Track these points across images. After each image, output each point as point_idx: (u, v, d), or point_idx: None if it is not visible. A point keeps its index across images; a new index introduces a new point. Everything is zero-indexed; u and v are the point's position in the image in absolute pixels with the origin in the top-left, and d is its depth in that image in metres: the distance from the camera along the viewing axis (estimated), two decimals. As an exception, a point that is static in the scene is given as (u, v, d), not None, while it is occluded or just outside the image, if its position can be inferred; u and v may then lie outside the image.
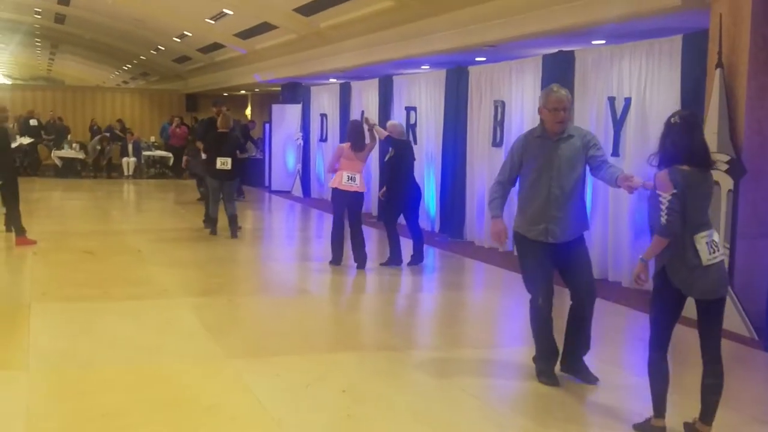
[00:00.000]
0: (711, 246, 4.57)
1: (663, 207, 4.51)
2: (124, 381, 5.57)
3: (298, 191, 19.82)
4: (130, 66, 33.60)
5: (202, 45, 22.81)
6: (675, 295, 4.62)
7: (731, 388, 6.02)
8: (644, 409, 5.41)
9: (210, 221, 12.59)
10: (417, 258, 10.35)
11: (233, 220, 12.35)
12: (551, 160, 5.60)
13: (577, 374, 5.78)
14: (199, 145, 13.26)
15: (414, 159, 10.42)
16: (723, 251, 4.74)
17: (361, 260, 10.02)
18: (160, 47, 25.78)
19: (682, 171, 4.54)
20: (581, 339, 5.79)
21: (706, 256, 4.53)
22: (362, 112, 16.46)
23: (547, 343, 5.76)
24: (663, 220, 4.52)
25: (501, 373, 6.04)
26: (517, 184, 5.86)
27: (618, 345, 7.22)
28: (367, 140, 9.99)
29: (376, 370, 5.99)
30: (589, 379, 5.72)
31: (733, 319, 7.29)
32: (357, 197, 10.01)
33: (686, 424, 4.80)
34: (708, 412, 4.66)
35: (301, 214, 17.25)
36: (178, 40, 23.02)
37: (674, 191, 4.48)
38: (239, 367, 5.89)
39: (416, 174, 14.01)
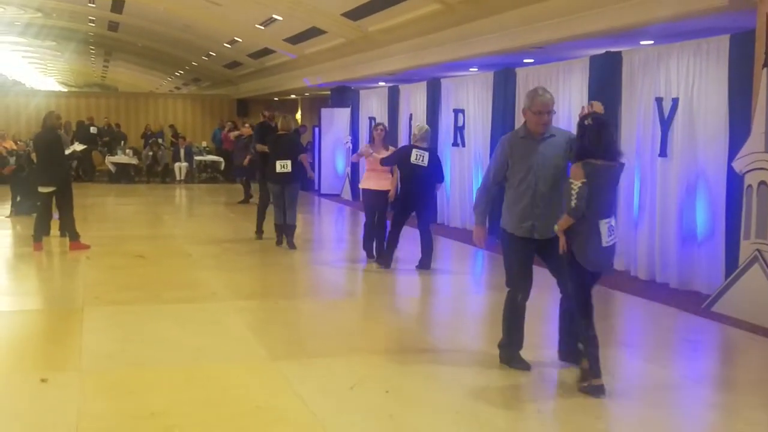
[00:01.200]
0: (610, 230, 5.42)
1: (573, 193, 5.31)
2: (173, 381, 5.69)
3: (347, 194, 19.93)
4: (182, 72, 34.08)
5: (253, 50, 23.07)
6: (584, 270, 5.47)
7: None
8: (692, 408, 5.41)
9: (277, 229, 11.97)
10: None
11: (291, 230, 11.93)
12: (536, 159, 5.81)
13: (574, 360, 5.91)
14: (260, 147, 12.77)
15: (411, 163, 9.99)
16: (616, 234, 5.57)
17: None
18: (211, 53, 26.13)
19: (592, 164, 5.35)
20: (572, 330, 5.94)
21: (605, 238, 5.38)
22: (410, 116, 16.54)
23: (518, 334, 6.09)
24: (573, 204, 5.32)
25: (545, 374, 6.04)
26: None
27: (665, 346, 7.17)
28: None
29: (420, 371, 6.03)
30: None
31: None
32: None
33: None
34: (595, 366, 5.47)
35: (351, 217, 17.35)
36: (229, 45, 23.31)
37: (584, 180, 5.30)
38: (284, 369, 5.97)
39: (464, 176, 14.22)
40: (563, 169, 5.82)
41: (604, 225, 5.36)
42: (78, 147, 23.35)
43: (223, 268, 10.26)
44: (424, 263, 10.14)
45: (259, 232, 12.71)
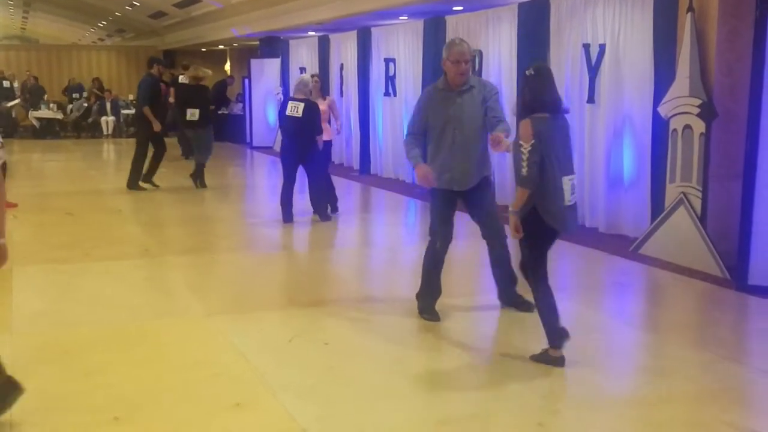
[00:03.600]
0: (573, 188, 4.98)
1: (524, 158, 4.81)
2: (107, 340, 5.64)
3: (279, 146, 19.72)
4: (105, 23, 33.17)
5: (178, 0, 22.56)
6: (549, 231, 5.01)
7: (702, 327, 6.21)
8: (618, 348, 5.57)
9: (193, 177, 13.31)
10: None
11: (200, 168, 13.22)
12: (453, 111, 5.83)
13: (515, 305, 6.22)
14: (147, 111, 12.82)
15: (287, 115, 9.96)
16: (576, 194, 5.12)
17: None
18: (134, 3, 25.45)
19: (541, 119, 4.87)
20: (506, 275, 6.22)
21: (568, 197, 4.93)
22: (341, 66, 16.41)
23: (434, 283, 6.19)
24: (524, 172, 4.81)
25: (483, 321, 6.15)
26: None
27: (594, 288, 7.35)
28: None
29: (358, 322, 6.08)
30: (524, 307, 6.11)
31: (705, 259, 7.44)
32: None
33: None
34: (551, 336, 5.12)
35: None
36: (153, -6, 22.77)
37: (533, 142, 4.79)
38: (222, 324, 5.96)
39: (395, 126, 14.27)
40: (483, 122, 5.79)
41: (567, 182, 4.92)
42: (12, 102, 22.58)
43: (155, 224, 10.15)
44: (319, 215, 10.24)
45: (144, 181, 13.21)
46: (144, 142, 13.14)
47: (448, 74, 5.90)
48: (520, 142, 4.85)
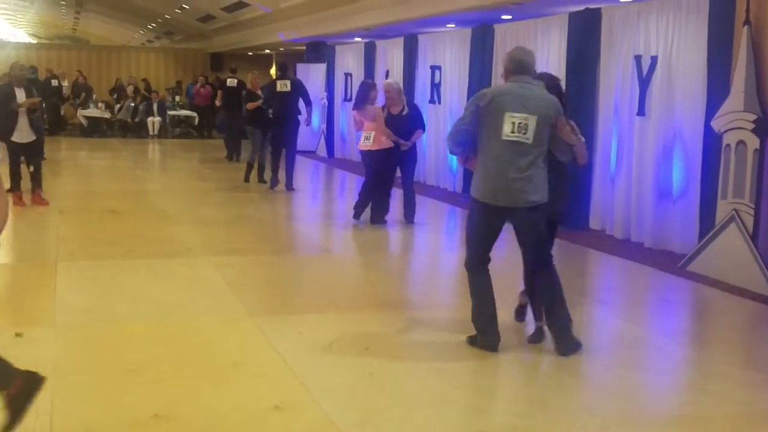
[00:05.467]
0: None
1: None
2: (150, 337, 5.65)
3: (322, 151, 19.80)
4: (154, 25, 33.52)
5: (227, 4, 22.69)
6: None
7: (752, 347, 6.06)
8: (665, 365, 5.45)
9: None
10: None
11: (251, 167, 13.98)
12: None
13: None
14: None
15: None
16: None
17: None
18: (184, 6, 25.67)
19: None
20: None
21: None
22: (386, 72, 16.40)
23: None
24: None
25: (521, 330, 6.06)
26: None
27: (641, 305, 7.22)
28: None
29: (399, 328, 6.03)
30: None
31: (756, 278, 7.27)
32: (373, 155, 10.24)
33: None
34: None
35: (326, 174, 17.27)
36: (203, -2, 22.96)
37: None
38: (263, 325, 5.94)
39: (439, 133, 14.21)
40: None
41: None
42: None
43: (199, 223, 10.17)
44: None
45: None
46: (294, 142, 13.45)
47: None
48: None
